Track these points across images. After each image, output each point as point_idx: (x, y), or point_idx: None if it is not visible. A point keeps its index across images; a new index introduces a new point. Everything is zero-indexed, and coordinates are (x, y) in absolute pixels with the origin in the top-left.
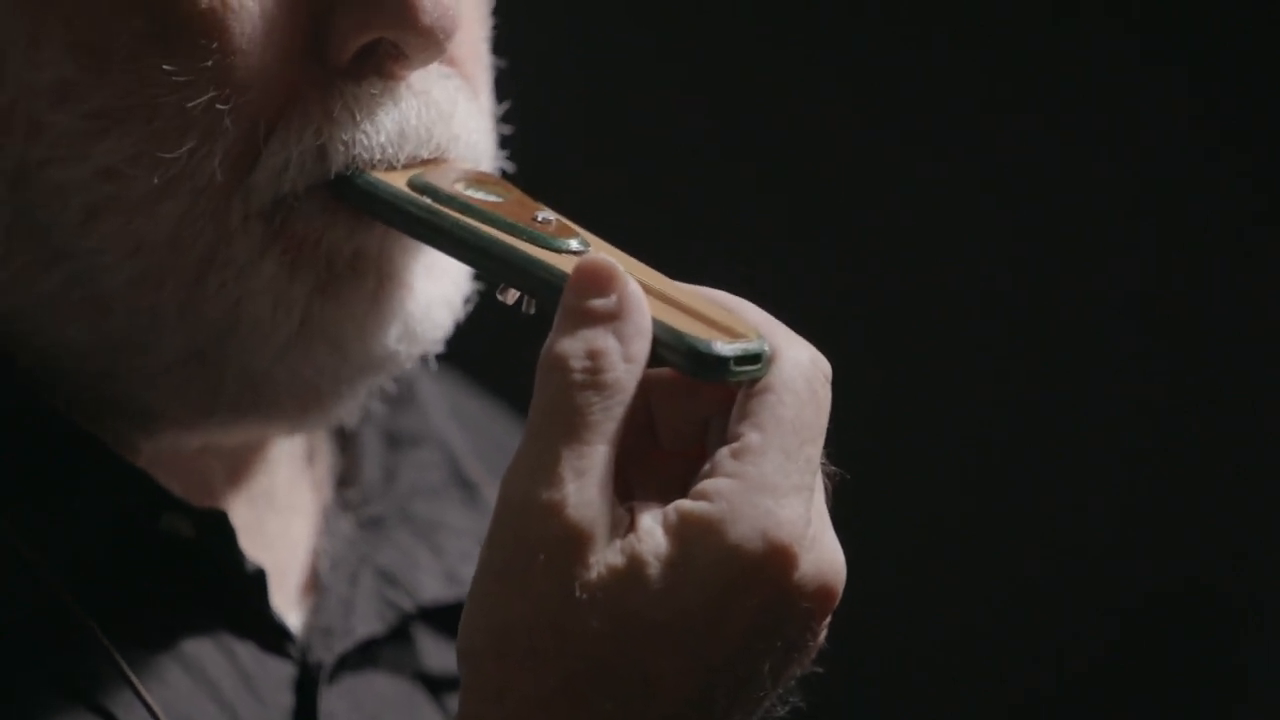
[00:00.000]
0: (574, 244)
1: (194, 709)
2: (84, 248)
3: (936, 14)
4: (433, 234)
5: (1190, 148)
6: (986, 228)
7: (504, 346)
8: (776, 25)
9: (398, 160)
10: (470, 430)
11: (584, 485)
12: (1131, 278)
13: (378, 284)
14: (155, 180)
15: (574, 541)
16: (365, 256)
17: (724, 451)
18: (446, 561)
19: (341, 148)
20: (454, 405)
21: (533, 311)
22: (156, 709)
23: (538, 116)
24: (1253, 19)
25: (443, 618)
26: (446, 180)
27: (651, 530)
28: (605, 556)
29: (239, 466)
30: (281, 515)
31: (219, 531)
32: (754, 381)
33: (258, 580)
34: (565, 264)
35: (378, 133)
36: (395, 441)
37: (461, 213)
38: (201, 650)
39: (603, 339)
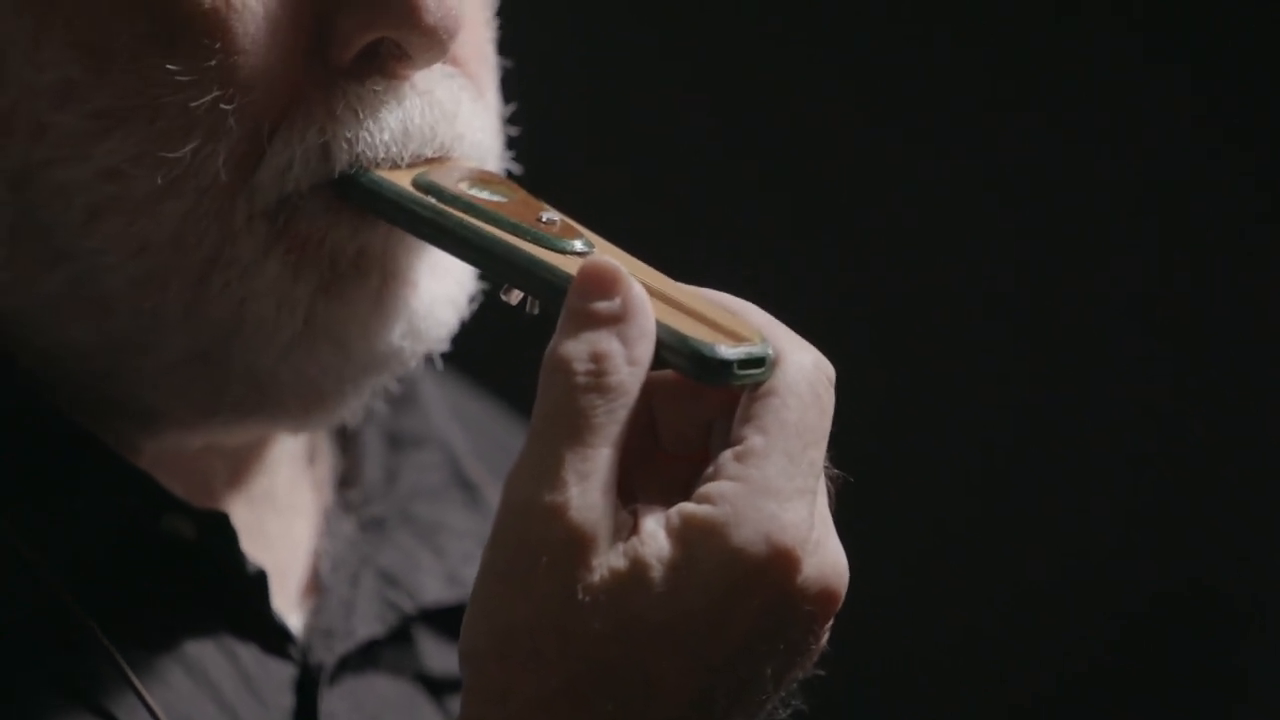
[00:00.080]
0: (578, 245)
1: (195, 710)
2: (87, 248)
3: (938, 13)
4: (436, 233)
5: (1192, 147)
6: (988, 228)
7: (507, 347)
8: (779, 25)
9: (402, 159)
10: (472, 431)
11: (587, 488)
12: (1134, 277)
13: (382, 283)
14: (158, 180)
15: (577, 544)
16: (369, 255)
17: (727, 454)
18: (448, 563)
19: (345, 146)
20: (455, 406)
21: (536, 312)
22: (157, 710)
23: (541, 116)
24: (1255, 18)
25: (444, 619)
26: (451, 179)
27: (654, 533)
28: (608, 559)
29: (240, 467)
30: (283, 516)
31: (220, 533)
32: (757, 385)
33: (259, 581)
34: (569, 265)
35: (381, 131)
36: (397, 442)
37: (465, 212)
38: (202, 651)
39: (606, 342)
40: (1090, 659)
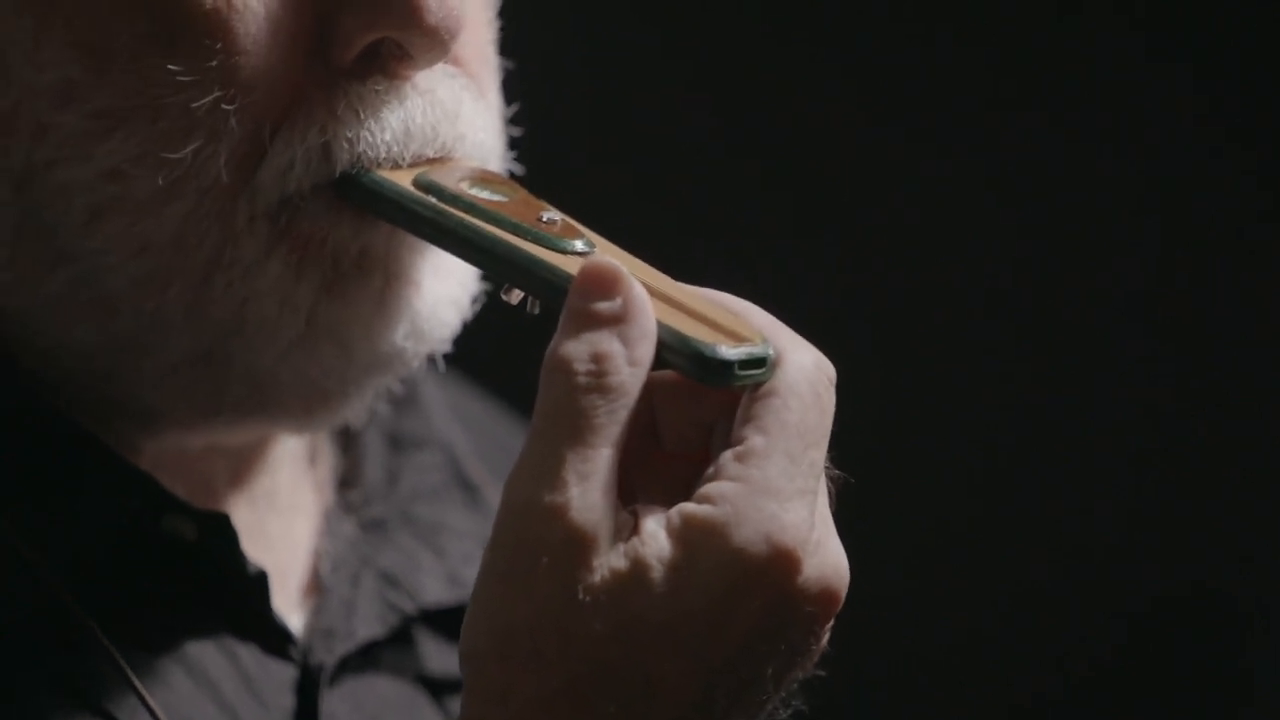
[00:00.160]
0: (579, 245)
1: (195, 711)
2: (89, 249)
3: (940, 12)
4: (437, 233)
5: (1194, 146)
6: (990, 227)
7: (508, 347)
8: (780, 24)
9: (403, 159)
10: (472, 432)
11: (587, 488)
12: (1135, 277)
13: (384, 283)
14: (160, 181)
15: (577, 544)
16: (372, 256)
17: (728, 455)
18: (448, 564)
19: (346, 146)
20: (456, 407)
21: (537, 312)
22: (158, 710)
23: (542, 116)
24: (1257, 17)
25: (444, 620)
26: (452, 179)
27: (655, 533)
28: (608, 559)
29: (241, 467)
30: (283, 516)
31: (221, 534)
32: (758, 385)
33: (259, 582)
34: (570, 265)
35: (382, 131)
36: (397, 443)
37: (466, 212)
38: (203, 652)
39: (607, 342)
40: (1093, 661)
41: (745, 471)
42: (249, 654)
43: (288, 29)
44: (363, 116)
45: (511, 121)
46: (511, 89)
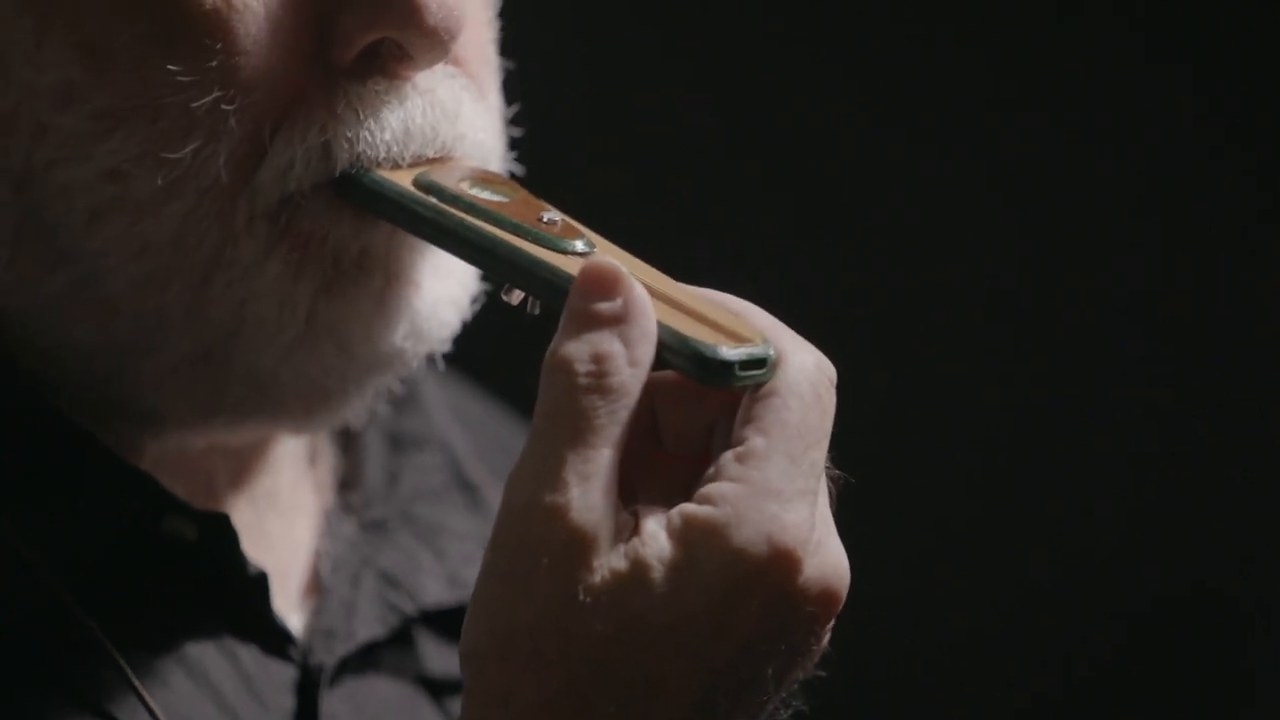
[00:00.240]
0: (579, 245)
1: (195, 711)
2: (89, 250)
3: (941, 12)
4: (437, 233)
5: (1195, 146)
6: (990, 227)
7: (508, 347)
8: (780, 24)
9: (403, 159)
10: (473, 432)
11: (588, 489)
12: (1136, 277)
13: (385, 283)
14: (160, 181)
15: (578, 545)
16: (373, 255)
17: (728, 455)
18: (449, 564)
19: (346, 145)
20: (456, 407)
21: (537, 312)
22: (158, 711)
23: (543, 117)
24: (1257, 17)
25: (444, 621)
26: (452, 179)
27: (655, 534)
28: (609, 560)
29: (242, 468)
30: (284, 517)
31: (221, 534)
32: (759, 386)
33: (259, 583)
34: (570, 265)
35: (382, 130)
36: (398, 444)
37: (466, 212)
38: (203, 653)
39: (608, 343)
40: (1093, 661)
41: (746, 472)
42: (249, 654)
43: (288, 29)
44: (363, 116)
45: (511, 121)
46: (511, 89)
